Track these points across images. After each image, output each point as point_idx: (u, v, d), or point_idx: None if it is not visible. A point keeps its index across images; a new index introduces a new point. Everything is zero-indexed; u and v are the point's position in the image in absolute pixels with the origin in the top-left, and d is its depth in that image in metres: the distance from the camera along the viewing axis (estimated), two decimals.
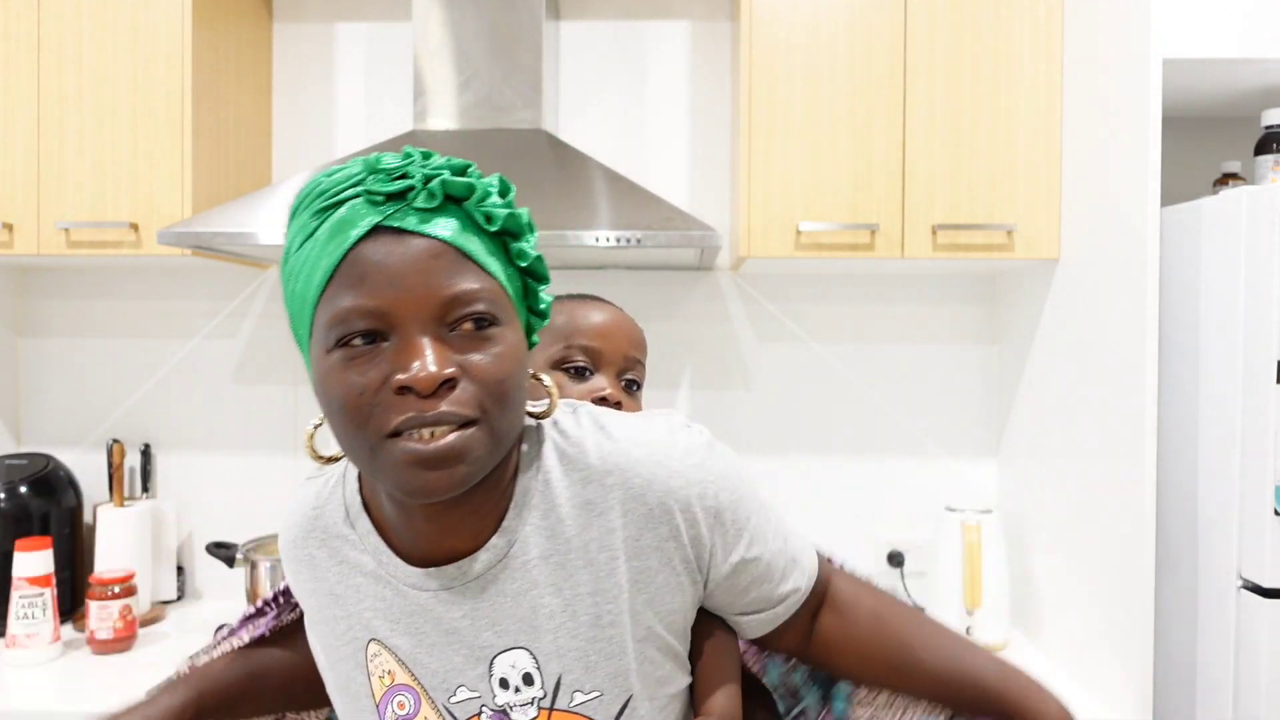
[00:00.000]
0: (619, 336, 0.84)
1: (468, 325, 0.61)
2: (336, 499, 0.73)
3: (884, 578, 2.04)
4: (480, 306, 0.62)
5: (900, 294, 2.05)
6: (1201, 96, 1.72)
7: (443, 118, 1.84)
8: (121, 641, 1.69)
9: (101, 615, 1.68)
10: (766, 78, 1.70)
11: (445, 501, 0.65)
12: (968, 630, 1.76)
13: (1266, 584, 1.31)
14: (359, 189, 0.62)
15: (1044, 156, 1.69)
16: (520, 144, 1.76)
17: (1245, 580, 1.35)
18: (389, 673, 0.69)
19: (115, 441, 1.94)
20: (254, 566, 1.78)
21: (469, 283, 0.61)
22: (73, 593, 1.89)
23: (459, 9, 1.83)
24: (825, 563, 0.81)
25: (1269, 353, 1.30)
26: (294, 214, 0.66)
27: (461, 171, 0.64)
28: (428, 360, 0.59)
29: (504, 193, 0.66)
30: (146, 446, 2.04)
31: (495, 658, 0.67)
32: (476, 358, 0.61)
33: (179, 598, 2.03)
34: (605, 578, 0.67)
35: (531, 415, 0.70)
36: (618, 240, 1.53)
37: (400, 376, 0.59)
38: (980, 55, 1.69)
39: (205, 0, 1.77)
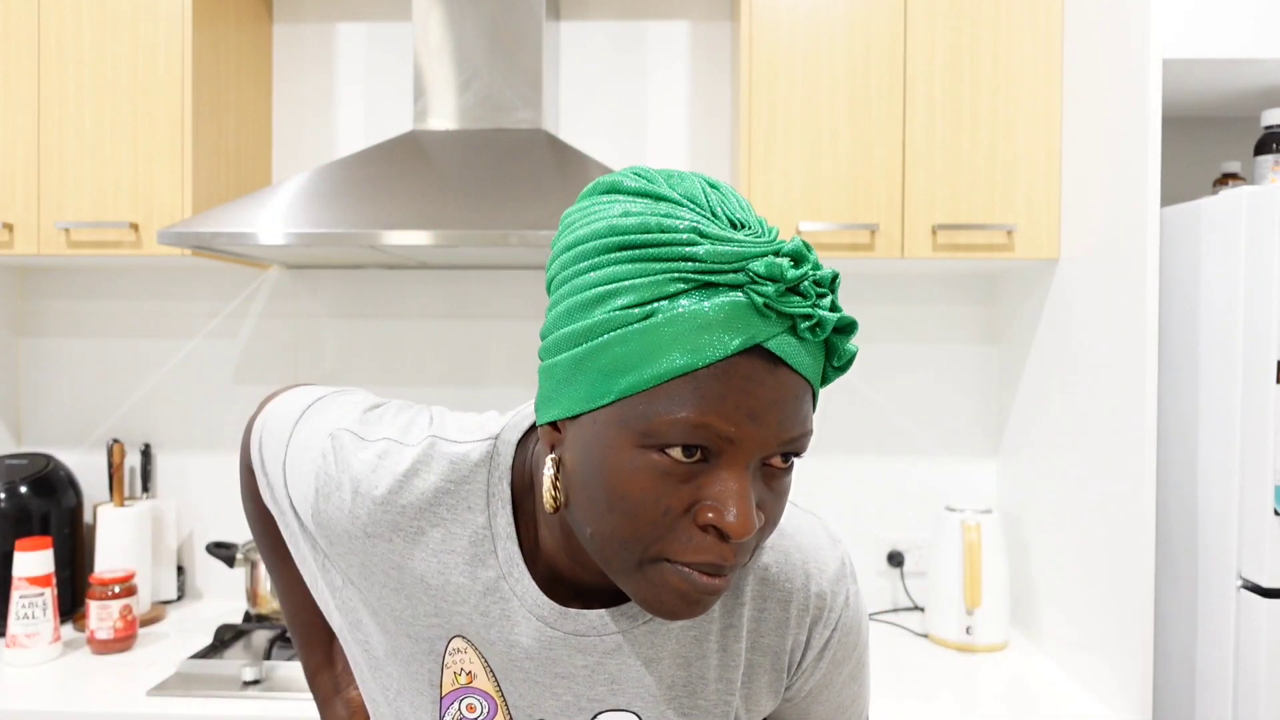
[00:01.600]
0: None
1: (779, 459, 0.55)
2: (478, 484, 0.64)
3: (884, 578, 2.04)
4: (801, 450, 0.56)
5: (900, 294, 2.05)
6: (1201, 96, 1.72)
7: (443, 118, 1.84)
8: (121, 641, 1.69)
9: (101, 615, 1.68)
10: (766, 78, 1.70)
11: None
12: (968, 630, 1.76)
13: (1266, 584, 1.31)
14: (743, 281, 0.52)
15: (1044, 156, 1.69)
16: (520, 144, 1.76)
17: (1245, 580, 1.35)
18: (469, 673, 0.65)
19: (115, 441, 1.94)
20: (254, 566, 1.78)
21: (807, 425, 0.55)
22: (73, 593, 1.90)
23: (459, 9, 1.83)
24: None
25: (1269, 353, 1.30)
26: (650, 254, 0.53)
27: (832, 294, 0.55)
28: (749, 509, 0.53)
29: (852, 332, 0.57)
30: (146, 446, 2.04)
31: (602, 714, 0.65)
32: (770, 498, 0.56)
33: (179, 598, 2.03)
34: (731, 666, 0.66)
35: None
36: None
37: (714, 517, 0.53)
38: (980, 55, 1.69)
39: (205, 0, 1.77)
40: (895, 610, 2.02)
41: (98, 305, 2.09)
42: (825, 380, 0.58)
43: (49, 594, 1.65)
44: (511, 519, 0.64)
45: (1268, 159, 1.54)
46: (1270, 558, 1.30)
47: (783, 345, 0.52)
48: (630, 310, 0.53)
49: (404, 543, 0.64)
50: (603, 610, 0.64)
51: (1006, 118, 1.69)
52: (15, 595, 1.63)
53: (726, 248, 0.52)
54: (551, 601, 0.63)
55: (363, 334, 2.07)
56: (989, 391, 2.04)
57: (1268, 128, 1.55)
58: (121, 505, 1.91)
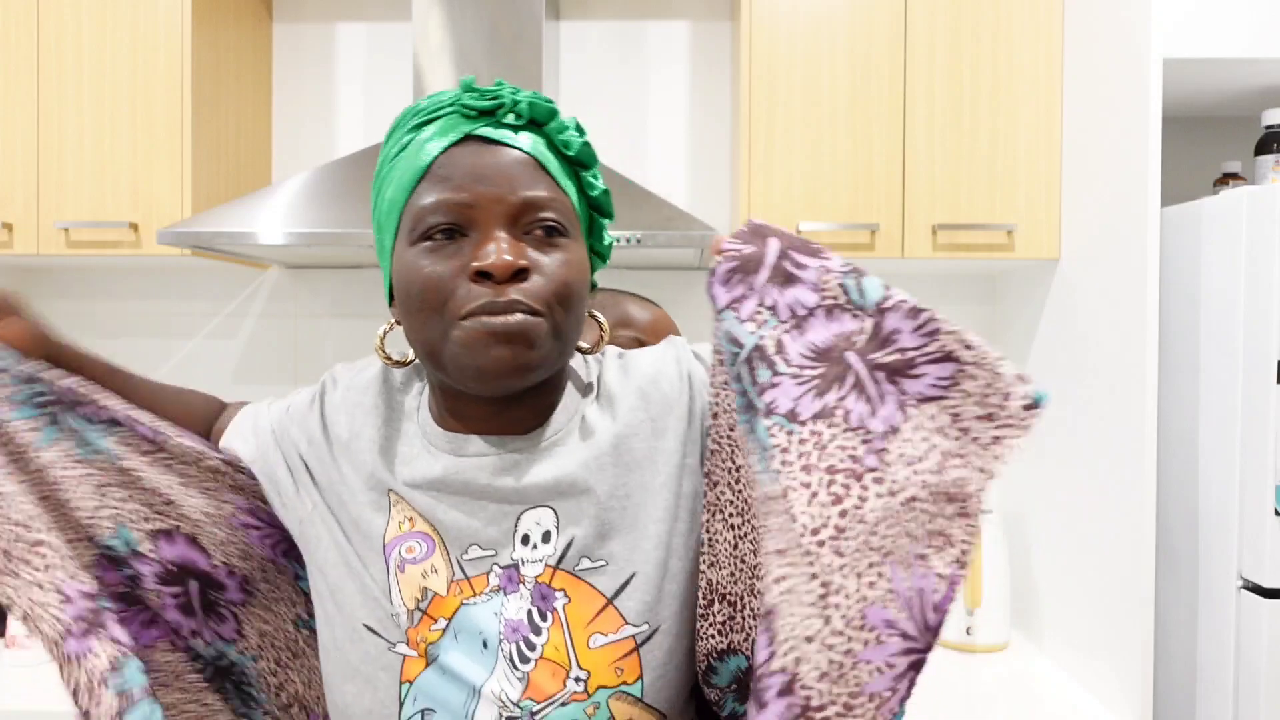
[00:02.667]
0: (665, 335, 0.93)
1: (539, 230, 0.68)
2: (414, 386, 0.78)
3: None
4: (552, 214, 0.68)
5: None
6: (1201, 96, 1.72)
7: None
8: None
9: None
10: (766, 78, 1.70)
11: (502, 400, 0.71)
12: (968, 630, 1.76)
13: (1266, 584, 1.31)
14: (454, 105, 0.69)
15: (1044, 156, 1.69)
16: None
17: (1245, 580, 1.35)
18: (410, 519, 0.73)
19: None
20: None
21: (545, 191, 0.68)
22: None
23: (459, 9, 1.83)
24: None
25: (1269, 353, 1.30)
26: (390, 133, 0.72)
27: (550, 105, 0.72)
28: (504, 250, 0.65)
29: (579, 131, 0.73)
30: None
31: (523, 514, 0.72)
32: (545, 259, 0.68)
33: None
34: (623, 456, 0.73)
35: (580, 350, 0.77)
36: (618, 240, 1.53)
37: (477, 263, 0.65)
38: (980, 55, 1.69)
39: (205, 0, 1.77)
40: None
41: (98, 305, 2.09)
42: (592, 187, 0.73)
43: None
44: (416, 389, 0.78)
45: (1268, 159, 1.54)
46: (1270, 558, 1.30)
47: (491, 131, 0.68)
48: (388, 165, 0.71)
49: (365, 416, 0.76)
50: (491, 435, 0.74)
51: (1006, 118, 1.69)
52: None
53: (437, 96, 0.71)
54: (447, 432, 0.74)
55: (363, 334, 2.07)
56: None
57: (1268, 128, 1.55)
58: None
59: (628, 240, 1.53)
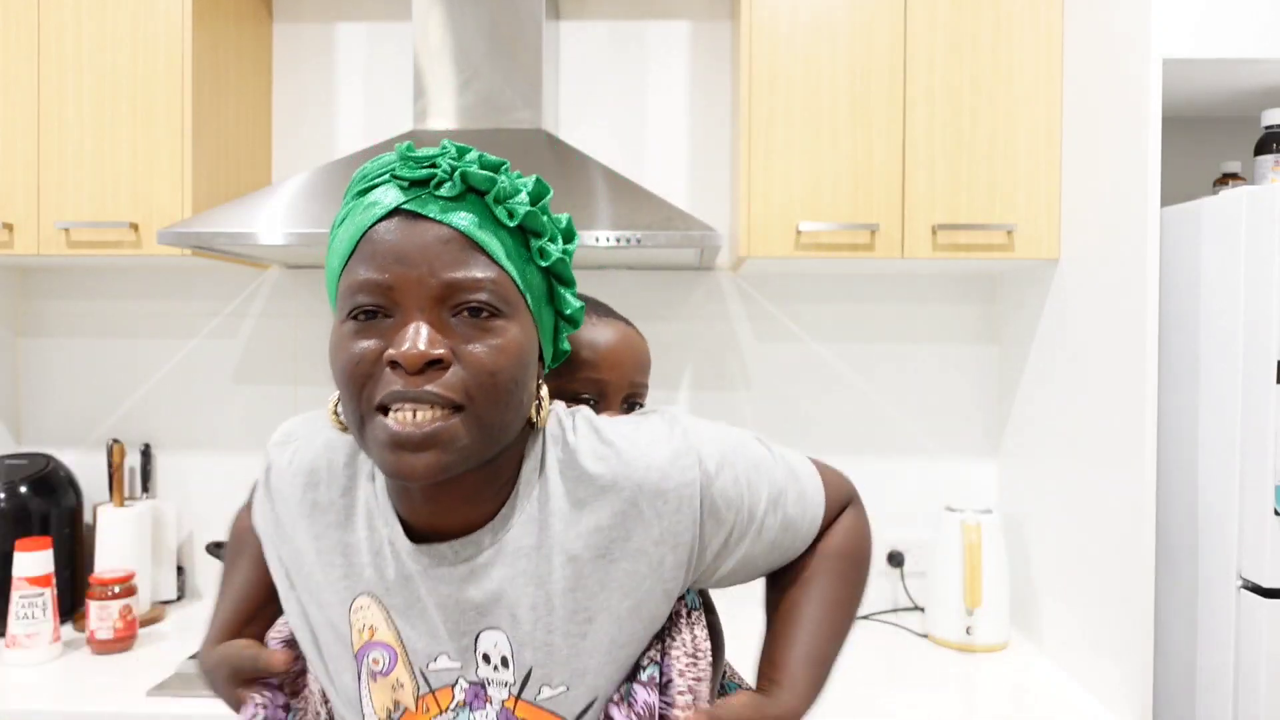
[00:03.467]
0: (625, 365, 0.84)
1: (466, 313, 0.63)
2: (362, 455, 0.74)
3: (884, 578, 2.04)
4: (482, 296, 0.63)
5: (900, 294, 2.05)
6: (1201, 96, 1.72)
7: (443, 118, 1.84)
8: (121, 641, 1.69)
9: (101, 615, 1.68)
10: (766, 78, 1.70)
11: (440, 485, 0.67)
12: (968, 630, 1.76)
13: (1266, 584, 1.31)
14: (389, 173, 0.66)
15: (1044, 156, 1.69)
16: (520, 144, 1.76)
17: (1245, 580, 1.35)
18: (370, 627, 0.71)
19: (115, 441, 1.94)
20: None
21: (474, 271, 0.63)
22: (73, 593, 1.90)
23: (459, 9, 1.83)
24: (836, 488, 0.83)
25: (1269, 353, 1.30)
26: (344, 197, 0.70)
27: (494, 169, 0.67)
28: (419, 339, 0.61)
29: (538, 195, 0.68)
30: (146, 446, 2.04)
31: (480, 634, 0.70)
32: (471, 347, 0.63)
33: (179, 598, 2.03)
34: (587, 575, 0.69)
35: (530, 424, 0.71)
36: (618, 240, 1.53)
37: (390, 351, 0.62)
38: (980, 55, 1.69)
39: (205, 0, 1.77)
40: (895, 610, 2.02)
41: (98, 305, 2.09)
42: (545, 255, 0.68)
43: (49, 594, 1.65)
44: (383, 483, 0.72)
45: (1268, 159, 1.54)
46: (1270, 558, 1.30)
47: (420, 204, 0.64)
48: (333, 234, 0.68)
49: (321, 515, 0.73)
50: (453, 540, 0.69)
51: (1006, 118, 1.69)
52: (15, 595, 1.63)
53: (381, 159, 0.67)
54: (409, 541, 0.70)
55: None
56: (989, 391, 2.04)
57: (1268, 128, 1.55)
58: (121, 505, 1.91)
59: (628, 240, 1.53)
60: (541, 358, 0.72)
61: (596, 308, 0.89)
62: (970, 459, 2.04)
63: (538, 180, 0.68)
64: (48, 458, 1.92)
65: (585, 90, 2.06)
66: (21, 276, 2.09)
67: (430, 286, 0.62)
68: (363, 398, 0.63)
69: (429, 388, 0.61)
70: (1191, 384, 1.44)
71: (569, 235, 0.71)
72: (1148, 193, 1.40)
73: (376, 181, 0.66)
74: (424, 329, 0.62)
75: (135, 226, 1.72)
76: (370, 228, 0.64)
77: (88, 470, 2.07)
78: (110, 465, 1.93)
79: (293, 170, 2.08)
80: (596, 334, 0.84)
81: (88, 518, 2.03)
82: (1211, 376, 1.40)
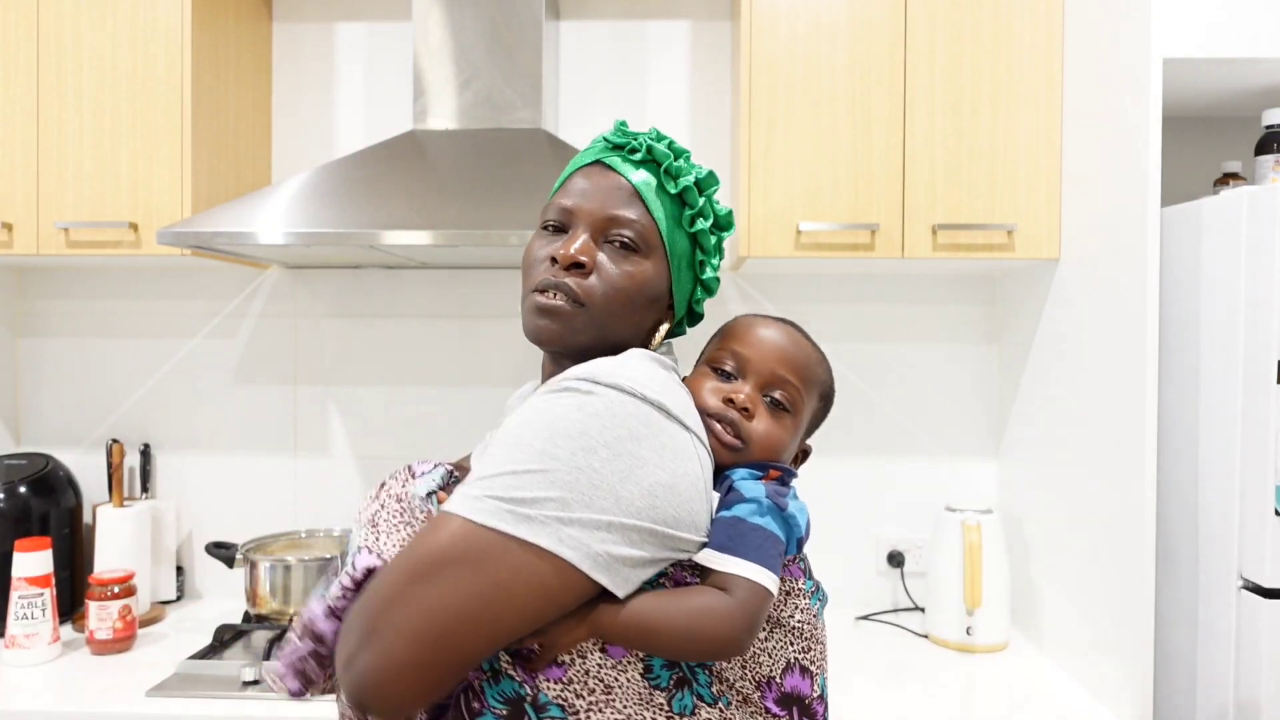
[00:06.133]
0: (767, 352, 0.89)
1: (617, 243, 0.83)
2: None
3: (884, 578, 2.04)
4: (629, 233, 0.83)
5: (900, 294, 2.05)
6: (1201, 96, 1.72)
7: (443, 118, 1.84)
8: (121, 642, 1.69)
9: (101, 615, 1.68)
10: (766, 77, 1.70)
11: (551, 359, 0.87)
12: (968, 630, 1.76)
13: (1266, 584, 1.31)
14: (603, 138, 0.87)
15: (1044, 156, 1.69)
16: (520, 144, 1.76)
17: (1245, 580, 1.35)
18: None
19: (115, 441, 1.94)
20: (253, 566, 1.77)
21: (631, 213, 0.83)
22: (72, 593, 1.89)
23: (459, 9, 1.83)
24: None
25: (1269, 353, 1.30)
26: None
27: (676, 155, 0.86)
28: (573, 245, 0.82)
29: (706, 184, 0.87)
30: (146, 446, 2.04)
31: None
32: (610, 266, 0.82)
33: (178, 598, 2.03)
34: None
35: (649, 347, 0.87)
36: None
37: (550, 250, 0.83)
38: (980, 55, 1.69)
39: (205, 0, 1.77)
40: (895, 610, 2.02)
41: (97, 305, 2.09)
42: (692, 224, 0.86)
43: (48, 594, 1.65)
44: None
45: (1268, 159, 1.54)
46: (1271, 558, 1.30)
47: (612, 160, 0.85)
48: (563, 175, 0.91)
49: None
50: None
51: (1007, 118, 1.69)
52: (14, 595, 1.63)
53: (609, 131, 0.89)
54: None
55: (362, 334, 2.07)
56: (989, 391, 2.04)
57: (1268, 127, 1.55)
58: (121, 505, 1.91)
59: None
60: (673, 306, 0.89)
61: (778, 318, 0.94)
62: (970, 459, 2.04)
63: (710, 173, 0.88)
64: (47, 458, 1.92)
65: (585, 90, 2.06)
66: (21, 276, 2.09)
67: (597, 217, 0.83)
68: (530, 280, 0.84)
69: (566, 279, 0.81)
70: (1192, 384, 1.44)
71: (726, 224, 0.89)
72: (1148, 192, 1.40)
73: (595, 143, 0.88)
74: (580, 241, 0.82)
75: (134, 226, 1.72)
76: (577, 169, 0.87)
77: (87, 470, 2.07)
78: (110, 465, 1.93)
79: (292, 170, 2.08)
80: (762, 325, 0.92)
81: (87, 518, 2.03)
82: (1212, 376, 1.40)
